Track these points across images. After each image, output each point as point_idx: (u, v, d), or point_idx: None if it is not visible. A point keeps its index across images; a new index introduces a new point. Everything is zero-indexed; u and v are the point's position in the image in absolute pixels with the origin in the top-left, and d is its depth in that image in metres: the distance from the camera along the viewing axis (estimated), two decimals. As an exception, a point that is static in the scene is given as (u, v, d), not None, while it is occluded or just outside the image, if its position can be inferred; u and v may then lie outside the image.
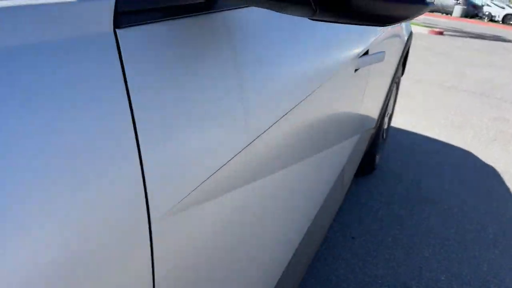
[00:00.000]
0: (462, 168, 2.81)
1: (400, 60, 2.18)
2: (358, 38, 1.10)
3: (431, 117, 3.87)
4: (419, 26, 12.71)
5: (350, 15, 0.47)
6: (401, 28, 2.06)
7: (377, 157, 2.50)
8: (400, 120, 3.65)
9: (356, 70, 1.10)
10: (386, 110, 2.25)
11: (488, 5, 24.96)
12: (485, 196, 2.45)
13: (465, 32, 13.83)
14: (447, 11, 25.04)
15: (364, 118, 1.58)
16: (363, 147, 1.85)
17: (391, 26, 1.85)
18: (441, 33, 11.93)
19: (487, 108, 4.43)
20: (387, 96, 2.12)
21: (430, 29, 12.16)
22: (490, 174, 2.77)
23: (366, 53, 1.21)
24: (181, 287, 0.47)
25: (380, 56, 1.19)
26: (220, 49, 0.53)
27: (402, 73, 2.67)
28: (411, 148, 3.03)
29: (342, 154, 1.32)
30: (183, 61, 0.46)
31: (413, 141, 3.19)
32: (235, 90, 0.54)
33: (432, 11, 25.38)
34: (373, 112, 1.88)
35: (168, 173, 0.42)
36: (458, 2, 24.61)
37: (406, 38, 2.25)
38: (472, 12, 24.24)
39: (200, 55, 0.49)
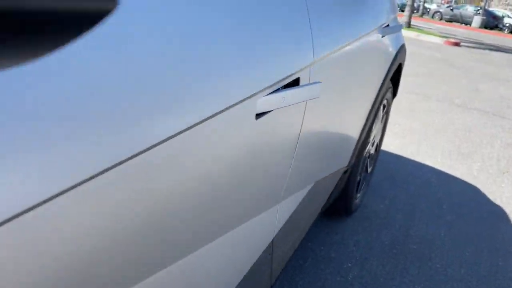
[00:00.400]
0: (464, 209, 2.34)
1: (385, 80, 1.74)
2: (265, 65, 0.67)
3: (435, 141, 3.40)
4: (434, 35, 12.17)
5: None
6: (384, 41, 1.62)
7: (358, 195, 2.06)
8: (398, 144, 3.19)
9: (259, 114, 0.67)
10: (366, 142, 1.81)
11: (508, 16, 24.21)
12: (489, 250, 1.98)
13: (483, 44, 13.23)
14: (466, 21, 24.34)
15: (315, 167, 1.15)
16: (320, 199, 1.41)
17: (362, 39, 1.40)
18: (457, 44, 11.38)
19: (499, 132, 3.93)
20: (365, 126, 1.68)
21: (445, 39, 11.62)
22: (498, 218, 2.30)
23: (296, 83, 0.79)
24: None
25: (311, 90, 0.76)
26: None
27: (395, 94, 2.22)
28: (405, 181, 2.57)
29: (267, 224, 0.90)
30: None
31: (410, 171, 2.73)
32: None
33: (450, 21, 24.73)
34: (340, 151, 1.44)
35: None
36: (478, 12, 23.90)
37: (394, 52, 1.80)
38: (492, 23, 23.51)
39: None
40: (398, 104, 4.31)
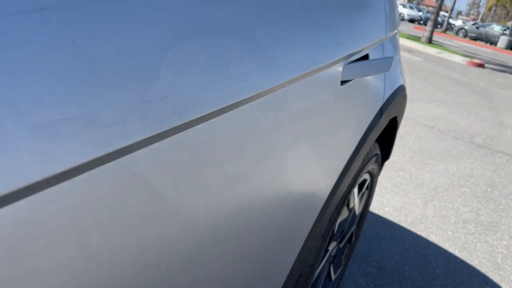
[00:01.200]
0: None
1: (359, 148, 0.94)
2: None
3: (446, 201, 2.56)
4: (457, 54, 11.25)
5: None
6: (354, 88, 0.81)
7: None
8: (397, 204, 2.37)
9: None
10: (319, 256, 1.02)
11: (538, 38, 23.01)
12: None
13: (509, 67, 12.24)
14: (491, 41, 23.22)
15: None
16: None
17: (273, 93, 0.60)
18: (481, 66, 10.45)
19: (532, 189, 3.08)
20: (314, 231, 0.88)
21: (469, 59, 10.69)
22: None
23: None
24: None
25: None
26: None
27: (387, 157, 1.42)
28: (397, 276, 1.76)
29: None
30: None
31: (407, 255, 1.92)
32: None
33: (475, 39, 23.63)
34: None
35: None
36: (505, 32, 22.79)
37: (380, 103, 1.00)
38: (520, 44, 22.34)
39: None
40: (406, 140, 3.48)
